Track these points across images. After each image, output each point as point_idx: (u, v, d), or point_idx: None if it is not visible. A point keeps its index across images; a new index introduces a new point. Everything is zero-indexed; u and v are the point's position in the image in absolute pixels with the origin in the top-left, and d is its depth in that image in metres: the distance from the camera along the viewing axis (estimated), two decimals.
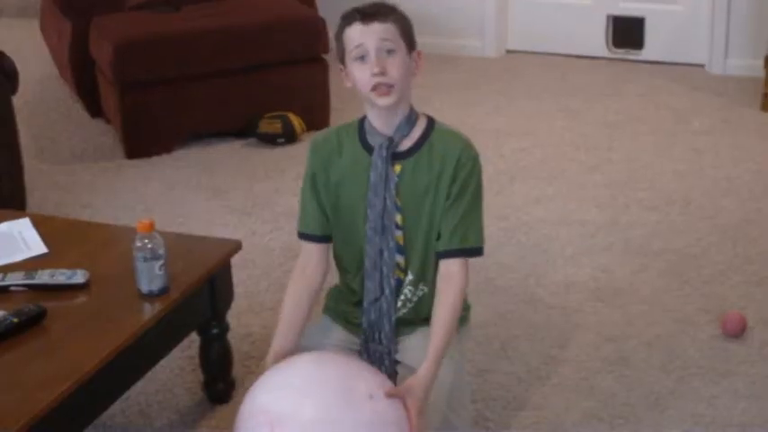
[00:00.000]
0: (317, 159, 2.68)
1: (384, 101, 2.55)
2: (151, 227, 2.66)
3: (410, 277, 2.69)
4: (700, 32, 5.96)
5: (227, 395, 3.08)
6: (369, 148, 2.63)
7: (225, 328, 3.03)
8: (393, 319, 2.67)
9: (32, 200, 4.29)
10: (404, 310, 2.70)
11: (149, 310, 2.66)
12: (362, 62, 2.53)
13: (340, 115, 4.86)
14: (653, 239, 4.01)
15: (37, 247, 2.97)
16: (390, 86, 2.53)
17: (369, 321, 2.69)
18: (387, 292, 2.66)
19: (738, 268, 3.78)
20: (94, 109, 5.35)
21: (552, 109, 5.45)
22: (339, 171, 2.66)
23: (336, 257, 2.79)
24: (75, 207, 4.39)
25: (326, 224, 2.71)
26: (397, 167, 2.62)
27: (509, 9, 6.40)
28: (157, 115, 4.93)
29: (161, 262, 2.66)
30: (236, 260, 3.04)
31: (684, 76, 5.86)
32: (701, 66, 5.98)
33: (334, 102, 5.17)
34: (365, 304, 2.69)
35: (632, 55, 6.19)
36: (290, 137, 5.00)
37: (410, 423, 2.38)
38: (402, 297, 2.69)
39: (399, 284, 2.69)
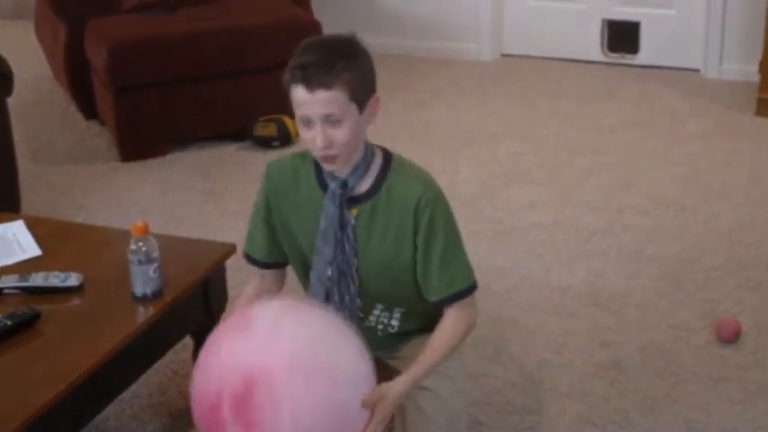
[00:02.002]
0: (271, 187, 2.59)
1: (329, 168, 2.45)
2: (146, 230, 2.65)
3: (381, 306, 2.61)
4: (695, 37, 5.96)
5: None
6: (325, 186, 2.51)
7: None
8: None
9: (27, 202, 4.28)
10: (389, 331, 2.64)
11: (143, 314, 2.65)
12: (308, 127, 2.39)
13: None
14: (647, 244, 4.01)
15: (31, 249, 2.96)
16: (336, 156, 2.40)
17: None
18: None
19: (733, 273, 3.78)
20: (89, 111, 5.34)
21: (547, 113, 5.45)
22: (293, 207, 2.56)
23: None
24: (69, 209, 4.39)
25: (274, 253, 2.63)
26: (354, 211, 2.50)
27: (505, 13, 6.40)
28: (152, 118, 4.93)
29: (155, 265, 2.66)
30: (230, 263, 3.04)
31: (679, 80, 5.87)
32: (696, 70, 5.99)
33: None
34: None
35: (627, 59, 6.20)
36: (285, 140, 5.00)
37: (368, 428, 2.27)
38: (380, 326, 2.63)
39: (361, 321, 2.60)
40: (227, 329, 2.29)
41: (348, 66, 2.36)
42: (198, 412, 2.22)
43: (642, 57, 6.16)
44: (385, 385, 2.36)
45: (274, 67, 5.01)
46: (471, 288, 2.55)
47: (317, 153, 2.41)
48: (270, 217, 2.61)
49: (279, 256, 2.65)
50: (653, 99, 5.62)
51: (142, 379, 2.89)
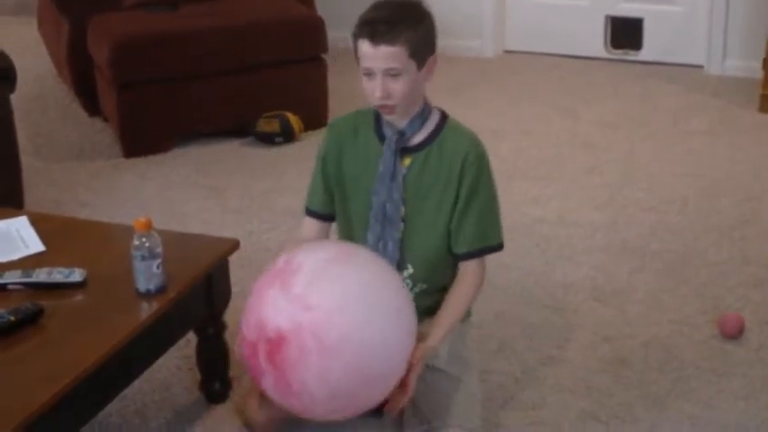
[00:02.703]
0: (332, 140, 2.78)
1: (388, 117, 2.66)
2: (149, 225, 2.65)
3: (410, 270, 2.73)
4: (698, 33, 5.96)
5: (224, 395, 3.07)
6: (382, 137, 2.70)
7: (222, 328, 3.03)
8: None
9: (30, 198, 4.28)
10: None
11: (146, 309, 2.65)
12: (369, 78, 2.59)
13: (339, 114, 4.85)
14: (651, 240, 4.01)
15: (35, 245, 2.96)
16: (394, 107, 2.60)
17: None
18: None
19: (736, 269, 3.78)
20: (92, 107, 5.34)
21: (550, 109, 5.45)
22: (352, 155, 2.74)
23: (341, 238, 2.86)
24: (72, 205, 4.39)
25: (329, 204, 2.80)
26: (407, 160, 2.68)
27: (507, 9, 6.40)
28: (155, 114, 4.93)
29: (158, 261, 2.66)
30: (233, 259, 3.04)
31: (682, 76, 5.87)
32: (700, 67, 5.98)
33: (333, 101, 5.17)
34: None
35: (630, 56, 6.20)
36: (288, 136, 5.00)
37: (407, 383, 2.52)
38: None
39: None
40: (273, 277, 2.46)
41: (411, 25, 2.58)
42: (243, 354, 2.50)
43: (645, 53, 6.16)
44: (422, 345, 2.57)
45: (277, 63, 5.09)
46: (500, 245, 2.76)
47: (376, 102, 2.62)
48: (327, 171, 2.77)
49: (332, 208, 2.83)
50: (656, 95, 5.62)
51: (146, 375, 2.89)
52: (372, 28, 2.56)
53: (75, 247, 2.96)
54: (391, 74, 2.57)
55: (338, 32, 5.47)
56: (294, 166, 4.71)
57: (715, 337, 3.37)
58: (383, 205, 2.69)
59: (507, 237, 4.02)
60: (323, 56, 5.19)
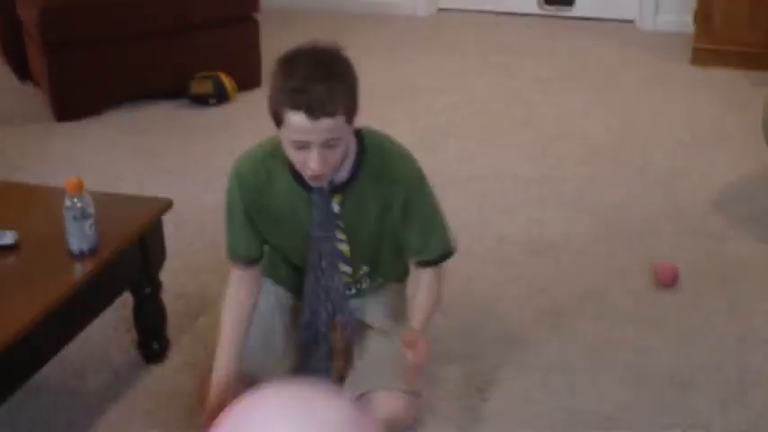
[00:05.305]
0: (245, 193, 2.57)
1: (316, 185, 2.46)
2: (80, 186, 2.63)
3: (365, 269, 2.70)
4: None
5: (162, 354, 3.06)
6: (301, 181, 2.48)
7: (158, 288, 3.02)
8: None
9: None
10: (362, 291, 2.75)
11: (80, 270, 2.63)
12: (302, 149, 2.33)
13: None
14: (584, 192, 4.04)
15: None
16: (325, 175, 2.39)
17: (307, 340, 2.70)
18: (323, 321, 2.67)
19: (669, 220, 3.82)
20: (22, 72, 5.27)
21: (484, 66, 5.46)
22: (273, 199, 2.55)
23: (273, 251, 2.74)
24: (4, 170, 4.33)
25: (259, 247, 2.65)
26: (337, 197, 2.52)
27: None
28: (86, 77, 4.88)
29: (90, 221, 2.64)
30: (168, 220, 3.02)
31: (615, 32, 5.91)
32: (632, 22, 6.02)
33: (266, 61, 5.14)
34: (303, 322, 2.69)
35: (563, 12, 6.22)
36: (221, 97, 4.98)
37: (420, 355, 2.49)
38: (358, 287, 2.73)
39: (349, 287, 2.71)
40: None
41: (345, 89, 2.32)
42: None
43: (578, 9, 6.19)
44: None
45: (209, 23, 5.04)
46: (449, 253, 2.71)
47: (309, 173, 2.38)
48: (251, 218, 2.60)
49: (260, 249, 2.67)
50: (589, 51, 5.65)
51: (82, 336, 2.86)
52: (309, 99, 2.26)
53: (7, 210, 2.93)
54: (330, 144, 2.32)
55: None
56: (229, 128, 4.69)
57: (649, 287, 3.40)
58: (320, 249, 2.57)
59: (443, 192, 4.04)
60: (254, 15, 5.15)
